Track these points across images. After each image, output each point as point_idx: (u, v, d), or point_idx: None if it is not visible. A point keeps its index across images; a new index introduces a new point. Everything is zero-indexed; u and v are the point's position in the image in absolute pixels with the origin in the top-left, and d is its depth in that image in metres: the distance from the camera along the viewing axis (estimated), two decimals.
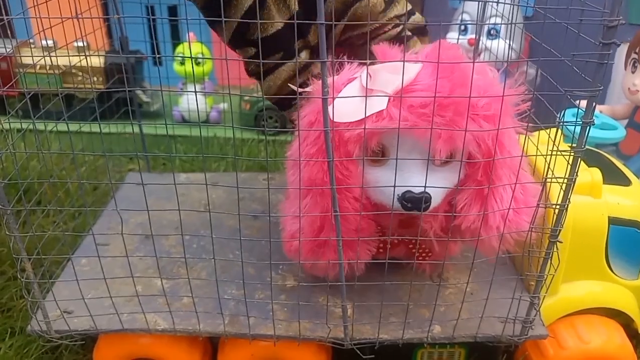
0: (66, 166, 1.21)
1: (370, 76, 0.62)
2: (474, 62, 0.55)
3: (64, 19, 0.63)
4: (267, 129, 1.55)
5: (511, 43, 1.21)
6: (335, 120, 0.60)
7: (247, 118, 1.58)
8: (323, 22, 0.52)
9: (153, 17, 0.62)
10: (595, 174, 0.78)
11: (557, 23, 0.62)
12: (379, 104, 0.59)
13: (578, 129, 0.59)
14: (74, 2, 0.79)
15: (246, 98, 1.57)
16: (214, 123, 1.59)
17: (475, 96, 0.57)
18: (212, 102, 1.61)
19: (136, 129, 1.22)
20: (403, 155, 0.61)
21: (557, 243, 0.64)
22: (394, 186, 0.60)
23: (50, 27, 0.68)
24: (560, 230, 0.63)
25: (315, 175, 0.62)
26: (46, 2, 0.74)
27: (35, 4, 0.68)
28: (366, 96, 0.58)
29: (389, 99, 0.60)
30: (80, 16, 0.60)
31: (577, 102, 0.61)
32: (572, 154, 0.60)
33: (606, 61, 0.55)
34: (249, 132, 1.56)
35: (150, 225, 0.64)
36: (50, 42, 1.34)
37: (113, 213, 0.97)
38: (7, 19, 0.59)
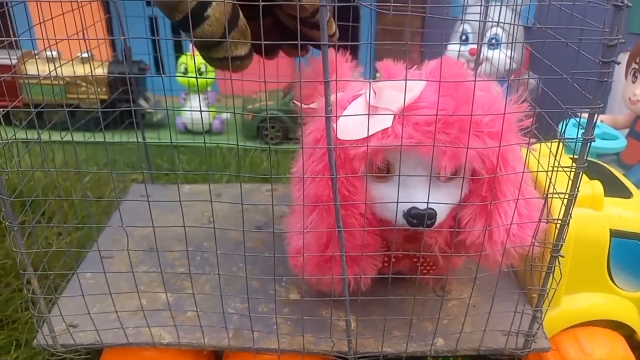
0: (70, 176, 1.22)
1: (375, 93, 0.63)
2: (475, 81, 0.56)
3: (70, 39, 0.64)
4: (272, 146, 1.56)
5: (512, 54, 1.22)
6: (340, 137, 0.61)
7: (249, 128, 1.59)
8: (326, 42, 0.53)
9: (157, 37, 0.62)
10: (597, 186, 0.78)
11: (557, 36, 0.62)
12: (384, 121, 0.60)
13: (579, 143, 0.59)
14: (78, 16, 0.80)
15: (249, 107, 1.58)
16: (217, 133, 1.60)
17: (478, 114, 0.58)
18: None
19: (139, 139, 1.23)
20: (408, 172, 0.61)
21: (559, 257, 0.65)
22: (397, 202, 0.60)
23: (56, 43, 0.69)
24: (562, 244, 0.64)
25: (321, 191, 0.63)
26: (52, 18, 0.75)
27: (42, 19, 0.69)
28: (369, 114, 0.59)
29: (394, 117, 0.60)
30: (85, 37, 0.60)
31: (579, 113, 0.61)
32: (574, 169, 0.60)
33: (606, 79, 0.56)
34: (252, 141, 1.57)
35: (155, 240, 0.65)
36: (54, 54, 1.35)
37: (117, 225, 0.97)
38: (14, 39, 0.60)
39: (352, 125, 0.62)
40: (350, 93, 0.68)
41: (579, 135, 0.59)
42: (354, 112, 0.64)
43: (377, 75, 1.71)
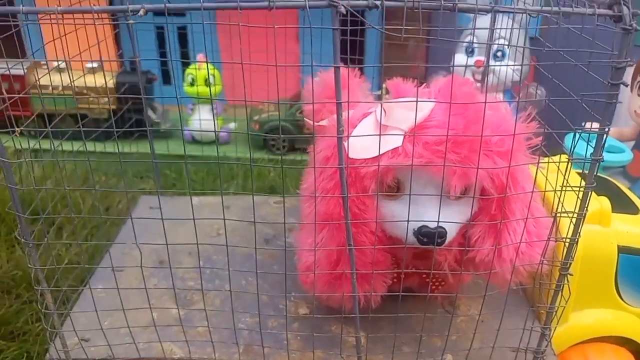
0: (79, 186, 1.23)
1: (385, 112, 0.64)
2: (485, 103, 0.57)
3: (84, 64, 0.65)
4: (280, 159, 1.57)
5: (521, 70, 1.23)
6: (351, 156, 0.61)
7: (255, 138, 1.60)
8: (338, 65, 0.54)
9: (170, 59, 0.63)
10: (605, 203, 0.79)
11: (565, 45, 0.63)
12: (394, 140, 0.61)
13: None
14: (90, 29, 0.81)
15: (255, 118, 1.59)
16: (224, 143, 1.61)
17: (489, 135, 0.58)
18: (222, 122, 1.63)
19: (146, 149, 1.23)
20: (418, 190, 0.62)
21: (568, 275, 0.65)
22: (408, 221, 0.61)
23: (70, 59, 0.70)
24: (570, 263, 0.64)
25: (332, 209, 0.64)
26: (65, 35, 0.76)
27: (53, 33, 0.70)
28: (380, 134, 0.59)
29: (404, 136, 0.61)
30: (101, 60, 0.62)
31: (584, 124, 0.62)
32: (582, 189, 0.61)
33: (615, 101, 0.56)
34: (258, 152, 1.57)
35: (168, 258, 0.66)
36: (63, 65, 1.37)
37: (127, 237, 0.98)
38: (31, 59, 0.61)
39: (363, 144, 0.62)
40: (360, 111, 0.68)
41: (588, 156, 0.59)
42: (364, 130, 0.65)
43: (384, 86, 1.71)
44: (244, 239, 1.00)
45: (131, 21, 0.53)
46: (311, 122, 0.74)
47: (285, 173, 1.45)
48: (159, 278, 0.89)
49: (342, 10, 0.51)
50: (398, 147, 0.61)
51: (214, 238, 1.00)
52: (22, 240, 0.63)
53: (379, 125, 0.63)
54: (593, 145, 0.60)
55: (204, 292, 0.86)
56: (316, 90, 0.89)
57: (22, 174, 0.99)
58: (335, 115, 0.66)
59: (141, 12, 0.52)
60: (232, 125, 1.61)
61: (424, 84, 0.71)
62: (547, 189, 0.66)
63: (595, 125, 0.70)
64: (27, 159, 0.60)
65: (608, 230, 0.79)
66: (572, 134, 0.61)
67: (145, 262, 0.91)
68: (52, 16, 0.57)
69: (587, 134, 0.60)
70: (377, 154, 0.61)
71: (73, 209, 0.88)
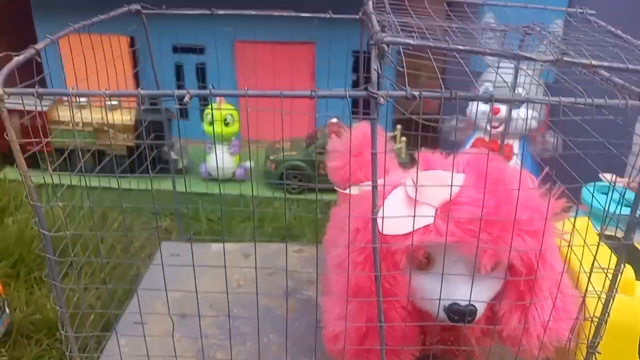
0: (96, 226, 1.24)
1: (415, 187, 0.65)
2: (519, 190, 0.58)
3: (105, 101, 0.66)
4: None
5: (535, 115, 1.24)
6: (383, 232, 0.62)
7: (272, 178, 1.61)
8: (375, 151, 0.55)
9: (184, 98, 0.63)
10: (629, 272, 0.79)
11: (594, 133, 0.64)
12: (426, 218, 0.62)
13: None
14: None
15: (271, 157, 1.60)
16: (240, 180, 1.62)
17: (524, 218, 0.59)
18: (239, 160, 1.64)
19: (165, 186, 1.24)
20: (449, 266, 0.63)
21: (597, 354, 0.66)
22: (440, 299, 0.62)
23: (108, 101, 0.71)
24: (599, 342, 0.65)
25: (362, 282, 0.64)
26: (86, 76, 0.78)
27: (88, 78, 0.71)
28: (415, 216, 0.60)
29: (436, 212, 0.62)
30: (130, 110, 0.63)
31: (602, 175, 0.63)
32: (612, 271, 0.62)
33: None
34: (275, 191, 1.59)
35: (200, 327, 0.66)
36: (83, 100, 1.39)
37: (150, 285, 0.99)
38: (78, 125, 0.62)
39: (394, 220, 0.63)
40: (391, 179, 0.69)
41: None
42: (394, 204, 0.66)
43: (398, 127, 1.71)
44: (264, 290, 1.01)
45: (176, 106, 0.54)
46: (343, 192, 0.75)
47: (301, 216, 1.46)
48: (182, 333, 0.89)
49: (382, 101, 0.53)
50: (430, 224, 0.62)
51: (234, 289, 1.01)
52: (58, 308, 0.64)
53: (409, 200, 0.64)
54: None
55: (227, 348, 0.86)
56: (339, 146, 0.90)
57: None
58: (365, 185, 0.67)
59: (186, 99, 0.54)
60: (248, 163, 1.62)
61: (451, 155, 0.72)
62: (574, 262, 0.67)
63: (609, 175, 0.72)
64: (67, 231, 0.61)
65: (632, 299, 0.79)
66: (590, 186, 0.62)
67: (167, 317, 0.92)
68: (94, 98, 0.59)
69: (608, 186, 0.62)
70: (409, 230, 0.62)
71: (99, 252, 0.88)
